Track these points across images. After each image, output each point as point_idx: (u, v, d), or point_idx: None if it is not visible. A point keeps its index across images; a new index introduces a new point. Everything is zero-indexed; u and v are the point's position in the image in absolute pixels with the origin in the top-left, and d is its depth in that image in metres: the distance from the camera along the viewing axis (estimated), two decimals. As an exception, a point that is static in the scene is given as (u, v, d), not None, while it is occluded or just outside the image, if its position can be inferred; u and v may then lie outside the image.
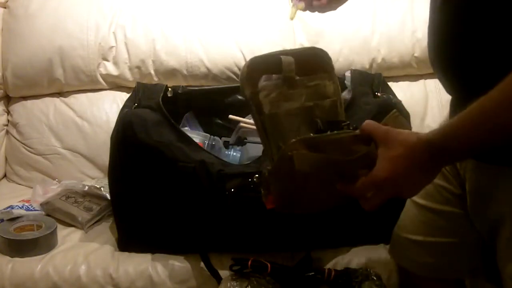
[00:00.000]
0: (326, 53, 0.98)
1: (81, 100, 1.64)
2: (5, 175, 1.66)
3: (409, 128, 0.82)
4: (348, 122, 0.86)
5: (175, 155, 1.15)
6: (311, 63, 0.95)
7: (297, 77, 0.92)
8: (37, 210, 1.36)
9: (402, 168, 0.73)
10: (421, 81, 1.65)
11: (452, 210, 0.95)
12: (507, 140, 0.68)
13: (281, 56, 0.92)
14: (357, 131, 0.80)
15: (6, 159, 1.65)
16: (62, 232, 1.29)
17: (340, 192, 0.79)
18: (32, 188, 1.48)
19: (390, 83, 1.47)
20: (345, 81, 1.43)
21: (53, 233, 1.24)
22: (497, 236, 0.84)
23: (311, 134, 0.86)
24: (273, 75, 0.93)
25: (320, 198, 0.87)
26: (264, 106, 0.91)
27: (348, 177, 0.78)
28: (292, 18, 1.18)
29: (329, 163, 0.78)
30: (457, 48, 0.79)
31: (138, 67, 1.60)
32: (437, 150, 0.71)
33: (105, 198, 1.35)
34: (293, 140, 0.80)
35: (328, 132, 0.84)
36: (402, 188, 0.76)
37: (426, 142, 0.72)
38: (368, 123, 0.78)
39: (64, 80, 1.61)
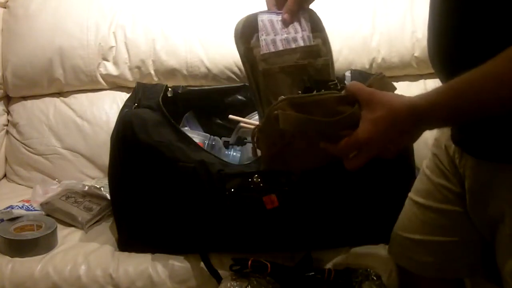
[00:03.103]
0: (316, 14, 1.00)
1: (81, 100, 1.64)
2: (5, 175, 1.66)
3: (394, 89, 0.83)
4: (336, 81, 0.88)
5: (175, 155, 1.15)
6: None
7: None
8: (37, 210, 1.36)
9: (383, 130, 0.75)
10: (421, 81, 1.65)
11: (452, 208, 0.95)
12: (488, 114, 0.70)
13: None
14: (342, 92, 0.81)
15: (6, 159, 1.65)
16: (62, 232, 1.29)
17: (324, 151, 0.81)
18: (32, 188, 1.48)
19: (390, 83, 1.47)
20: (345, 81, 1.43)
21: (53, 233, 1.24)
22: (497, 234, 0.84)
23: (299, 92, 0.88)
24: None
25: (306, 157, 0.88)
26: (259, 63, 0.93)
27: (331, 137, 0.79)
28: None
29: (312, 124, 0.79)
30: (455, 45, 0.79)
31: (138, 67, 1.60)
32: (420, 114, 0.73)
33: (105, 198, 1.35)
34: (280, 99, 0.81)
35: (315, 92, 0.85)
36: (382, 149, 0.78)
37: (409, 106, 0.74)
38: (353, 84, 0.79)
39: (64, 80, 1.61)
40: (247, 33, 0.95)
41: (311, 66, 0.94)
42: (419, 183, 1.03)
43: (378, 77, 0.83)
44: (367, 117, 0.76)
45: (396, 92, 1.41)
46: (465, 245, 0.97)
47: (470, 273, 1.02)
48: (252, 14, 0.99)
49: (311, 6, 1.07)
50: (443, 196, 0.96)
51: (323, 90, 0.86)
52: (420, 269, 1.03)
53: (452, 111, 0.71)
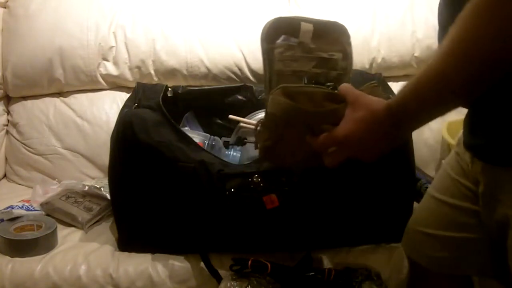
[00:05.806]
0: (347, 30, 1.05)
1: (81, 100, 1.64)
2: (5, 175, 1.66)
3: (385, 99, 0.84)
4: (334, 85, 0.93)
5: (175, 155, 1.15)
6: (329, 35, 1.03)
7: (313, 45, 1.01)
8: (37, 210, 1.36)
9: (362, 130, 0.78)
10: (421, 81, 1.65)
11: (468, 206, 0.94)
12: (461, 102, 0.71)
13: (301, 22, 1.01)
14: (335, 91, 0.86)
15: (6, 159, 1.65)
16: (62, 232, 1.29)
17: (309, 146, 0.85)
18: (32, 188, 1.48)
19: (390, 83, 1.47)
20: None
21: (53, 233, 1.24)
22: (507, 238, 0.83)
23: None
24: (292, 37, 1.01)
25: (297, 153, 0.92)
26: (276, 62, 1.00)
27: (316, 131, 0.83)
28: None
29: (297, 112, 0.84)
30: None
31: (138, 67, 1.61)
32: (395, 113, 0.74)
33: (105, 198, 1.35)
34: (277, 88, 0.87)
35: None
36: (360, 149, 0.80)
37: (386, 107, 0.76)
38: (345, 85, 0.83)
39: (64, 80, 1.61)
40: (272, 34, 1.02)
41: (324, 75, 1.00)
42: (438, 179, 1.03)
43: (370, 85, 0.88)
44: (348, 116, 0.79)
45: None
46: (479, 242, 0.96)
47: (479, 271, 1.01)
48: (283, 17, 1.05)
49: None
50: (461, 193, 0.96)
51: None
52: (431, 263, 1.03)
53: (422, 102, 0.71)
